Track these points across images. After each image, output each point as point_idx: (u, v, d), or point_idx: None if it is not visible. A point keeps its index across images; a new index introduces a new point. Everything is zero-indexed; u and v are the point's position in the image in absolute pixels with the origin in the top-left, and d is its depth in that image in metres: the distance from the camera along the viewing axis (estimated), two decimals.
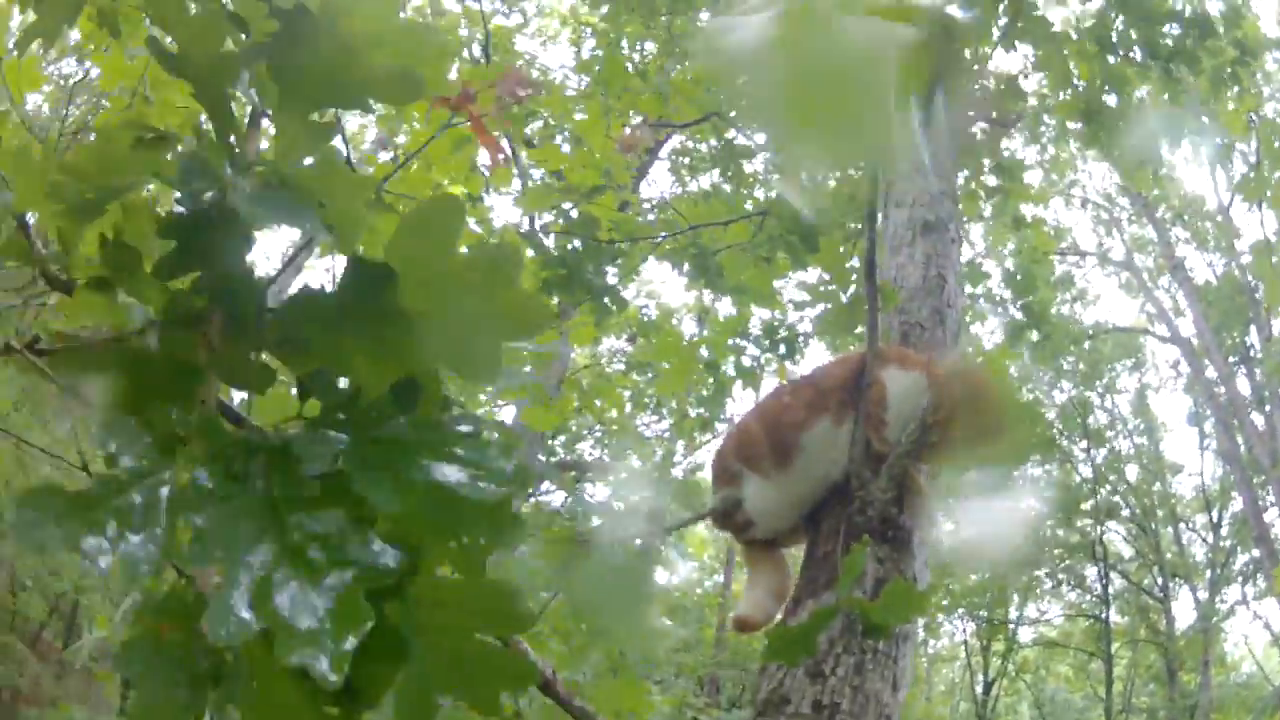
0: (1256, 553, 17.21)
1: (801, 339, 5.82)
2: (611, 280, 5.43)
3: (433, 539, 1.05)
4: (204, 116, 1.29)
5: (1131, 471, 19.91)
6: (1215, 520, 19.27)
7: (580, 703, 2.31)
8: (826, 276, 4.89)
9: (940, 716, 20.79)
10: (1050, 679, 22.34)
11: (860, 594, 2.47)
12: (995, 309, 7.80)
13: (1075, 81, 5.60)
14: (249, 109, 1.37)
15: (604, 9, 7.00)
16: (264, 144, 1.44)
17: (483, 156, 5.61)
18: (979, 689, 20.06)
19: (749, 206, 5.97)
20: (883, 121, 1.11)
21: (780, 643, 2.08)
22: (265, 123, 1.39)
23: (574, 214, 5.34)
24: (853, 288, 4.66)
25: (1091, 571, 19.38)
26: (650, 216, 6.68)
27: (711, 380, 6.52)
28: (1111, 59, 5.52)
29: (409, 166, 5.06)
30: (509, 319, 1.11)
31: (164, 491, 1.01)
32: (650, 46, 8.56)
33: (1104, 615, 19.13)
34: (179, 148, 1.27)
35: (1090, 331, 18.49)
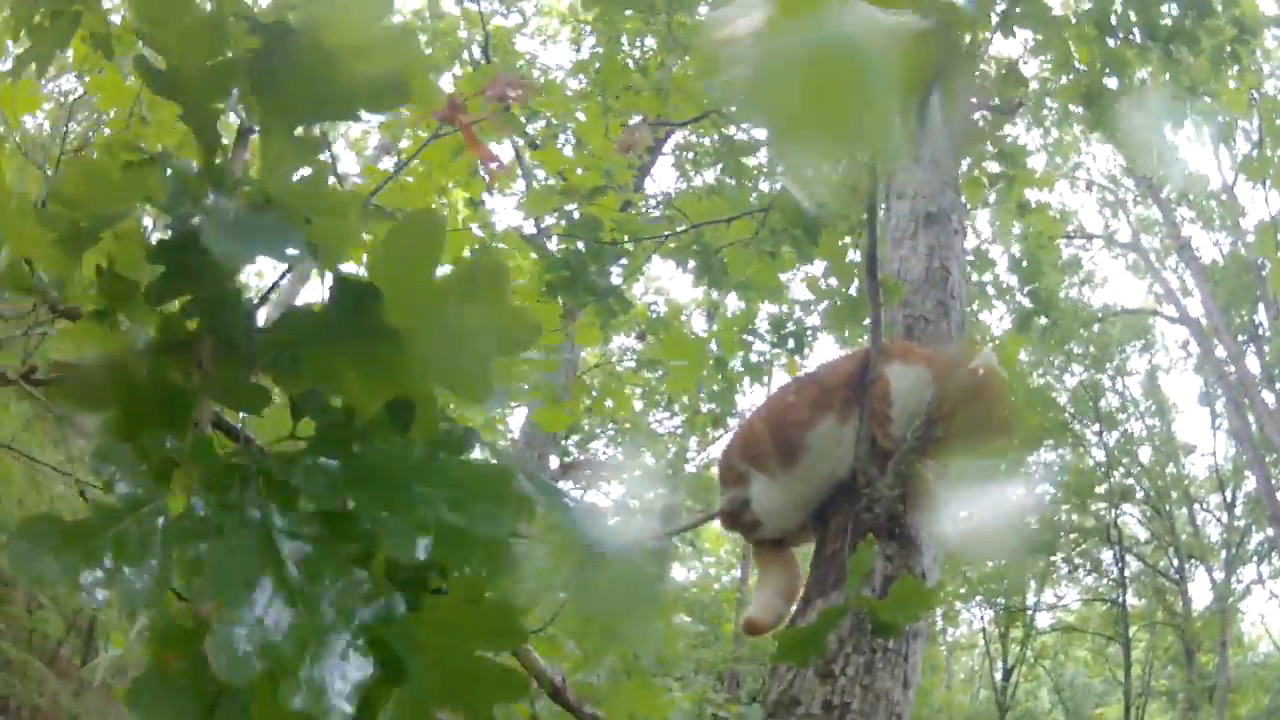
0: (1271, 532, 17.18)
1: (810, 333, 5.81)
2: (616, 281, 5.42)
3: (428, 571, 1.04)
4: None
5: (1144, 453, 19.89)
6: (1229, 500, 19.24)
7: (591, 709, 2.31)
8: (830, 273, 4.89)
9: (961, 705, 20.76)
10: (1069, 664, 22.36)
11: (869, 592, 2.46)
12: (1002, 296, 7.77)
13: (1076, 65, 5.58)
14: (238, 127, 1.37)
15: (596, 9, 6.99)
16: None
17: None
18: (998, 676, 20.06)
19: (754, 200, 5.96)
20: (881, 114, 1.09)
21: (789, 644, 2.07)
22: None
23: (576, 216, 5.33)
24: (857, 282, 4.66)
25: (1107, 555, 19.37)
26: (655, 213, 6.69)
27: (720, 376, 6.52)
28: (1111, 41, 5.50)
29: (406, 174, 5.07)
30: (498, 334, 1.10)
31: (160, 520, 1.00)
32: (650, 42, 8.55)
33: (1121, 599, 19.10)
34: (169, 170, 1.26)
35: (1099, 314, 18.47)
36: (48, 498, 7.27)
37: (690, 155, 9.31)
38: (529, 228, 6.16)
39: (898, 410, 2.68)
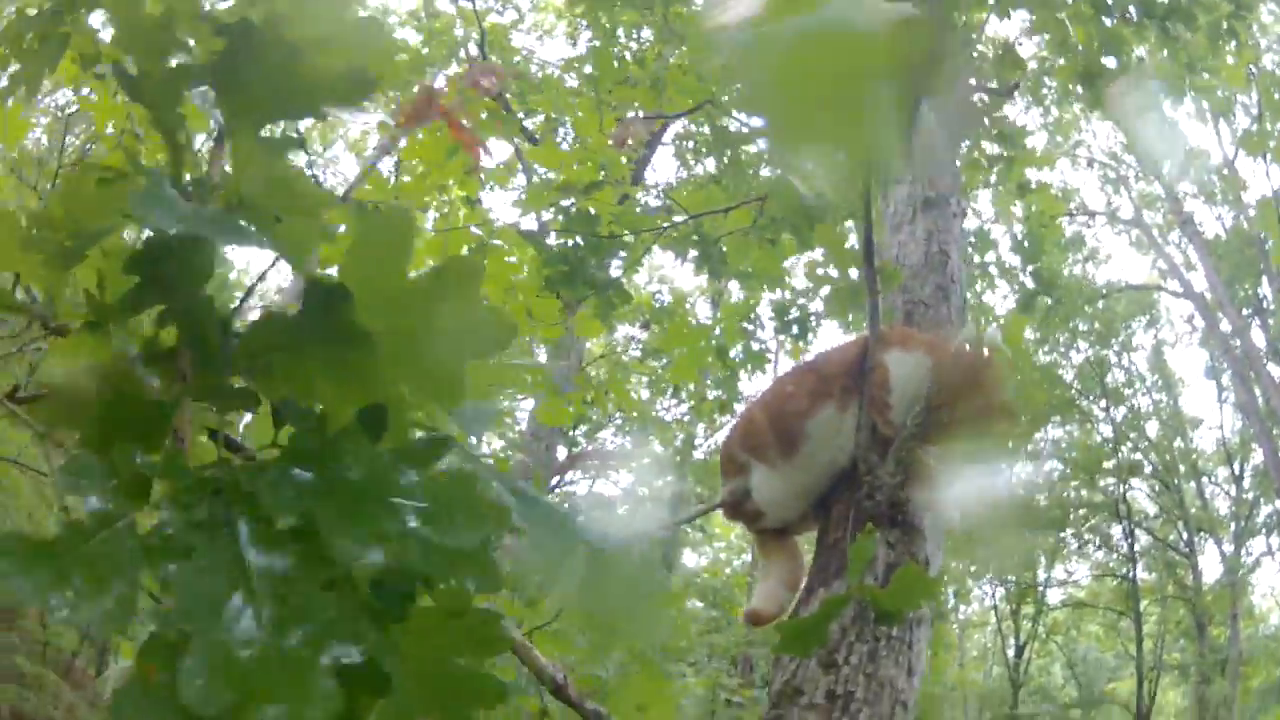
0: (1279, 504, 17.18)
1: (813, 319, 5.79)
2: (615, 273, 5.41)
3: (412, 583, 1.02)
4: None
5: (1152, 428, 19.92)
6: (1237, 473, 19.24)
7: (593, 705, 2.29)
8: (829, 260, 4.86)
9: (974, 682, 20.81)
10: (1081, 639, 22.39)
11: (872, 580, 2.44)
12: (1005, 276, 7.75)
13: (1074, 44, 5.55)
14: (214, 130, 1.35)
15: (583, 3, 6.99)
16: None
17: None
18: (1011, 653, 20.10)
19: (751, 190, 5.93)
20: (875, 106, 1.07)
21: (791, 635, 2.05)
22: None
23: (573, 210, 5.31)
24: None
25: (1117, 530, 19.39)
26: (655, 204, 6.66)
27: (723, 364, 6.50)
28: (1108, 20, 5.47)
29: (400, 174, 5.05)
30: (472, 335, 1.08)
31: (128, 541, 0.98)
32: (647, 34, 8.52)
33: (1131, 573, 19.11)
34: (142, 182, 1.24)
35: (1104, 290, 18.46)
36: (55, 511, 7.26)
37: (690, 144, 9.29)
38: (529, 223, 6.14)
39: (897, 397, 2.66)
